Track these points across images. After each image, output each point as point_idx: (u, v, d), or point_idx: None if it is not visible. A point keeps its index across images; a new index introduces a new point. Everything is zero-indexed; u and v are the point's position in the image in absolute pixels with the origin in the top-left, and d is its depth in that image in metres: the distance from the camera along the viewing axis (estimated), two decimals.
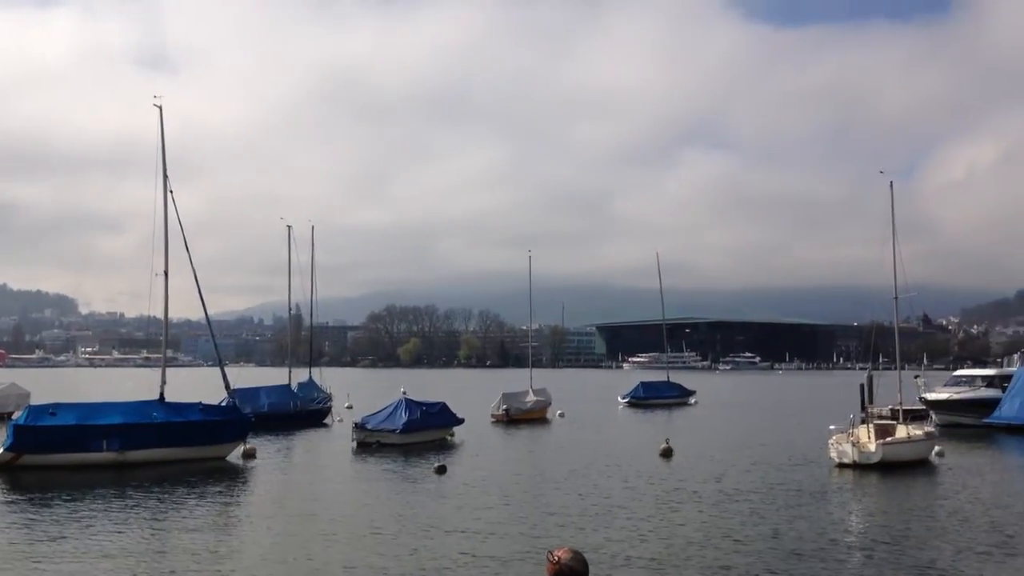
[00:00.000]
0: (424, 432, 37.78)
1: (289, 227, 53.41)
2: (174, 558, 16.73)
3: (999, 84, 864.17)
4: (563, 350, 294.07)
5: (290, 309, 56.64)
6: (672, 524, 20.01)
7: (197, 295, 34.95)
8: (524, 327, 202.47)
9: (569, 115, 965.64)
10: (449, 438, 39.33)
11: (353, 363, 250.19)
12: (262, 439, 37.30)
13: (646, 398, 70.64)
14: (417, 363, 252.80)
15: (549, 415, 55.17)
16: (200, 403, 33.38)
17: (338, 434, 42.32)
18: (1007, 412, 46.49)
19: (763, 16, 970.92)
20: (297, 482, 27.96)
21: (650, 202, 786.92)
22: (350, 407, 54.36)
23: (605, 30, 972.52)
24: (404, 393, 39.57)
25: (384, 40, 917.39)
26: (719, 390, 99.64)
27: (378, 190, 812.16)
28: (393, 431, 36.67)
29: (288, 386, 50.88)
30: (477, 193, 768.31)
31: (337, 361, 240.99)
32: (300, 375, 54.93)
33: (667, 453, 33.73)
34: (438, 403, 41.33)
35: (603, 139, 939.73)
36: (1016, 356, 73.40)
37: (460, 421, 40.99)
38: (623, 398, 71.33)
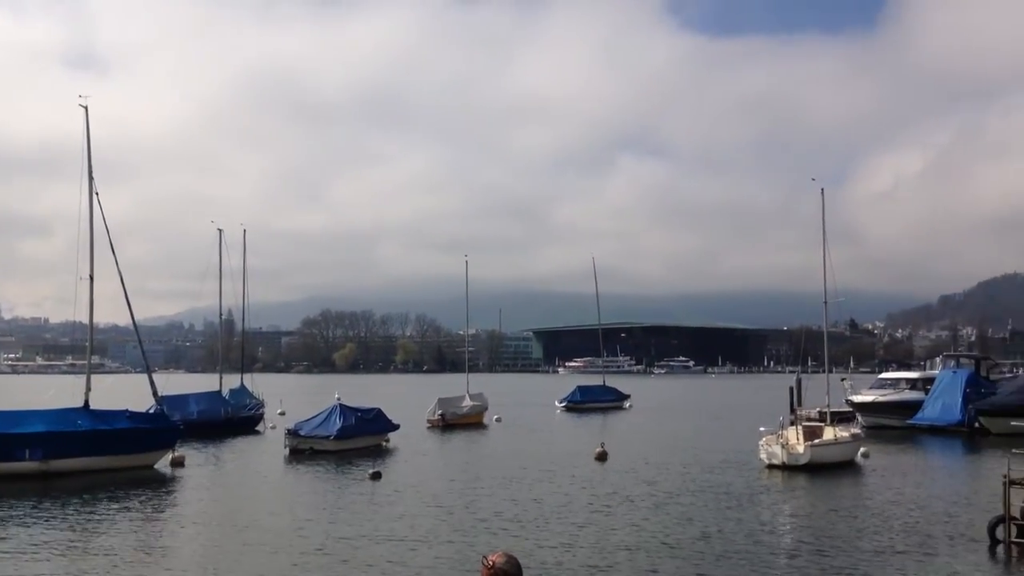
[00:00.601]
0: (359, 438, 37.41)
1: (220, 230, 52.37)
2: (98, 571, 16.24)
3: (923, 97, 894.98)
4: (500, 355, 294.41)
5: (221, 314, 55.54)
6: (605, 528, 20.15)
7: (124, 300, 34.13)
8: (461, 332, 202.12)
9: (508, 120, 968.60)
10: (384, 444, 39.06)
11: (287, 369, 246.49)
12: (191, 447, 36.49)
13: (583, 402, 71.10)
14: (353, 368, 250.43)
15: (486, 420, 55.14)
16: (127, 410, 32.63)
17: (270, 441, 41.65)
18: (929, 414, 48.04)
19: (699, 26, 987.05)
20: (227, 491, 27.40)
21: (588, 208, 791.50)
22: (283, 413, 53.55)
23: (544, 36, 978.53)
24: (338, 399, 39.16)
25: (321, 41, 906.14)
26: (654, 394, 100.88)
27: (314, 193, 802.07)
28: (327, 437, 36.23)
29: (219, 393, 49.90)
30: (415, 197, 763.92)
31: (271, 367, 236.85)
32: (232, 381, 54.00)
33: (602, 457, 34.01)
34: (373, 409, 41.02)
35: (542, 145, 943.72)
36: (938, 359, 75.89)
37: (395, 427, 40.73)
38: (560, 402, 71.70)
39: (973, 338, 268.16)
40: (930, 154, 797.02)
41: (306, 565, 16.65)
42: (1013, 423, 31.14)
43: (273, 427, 46.83)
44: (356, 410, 39.39)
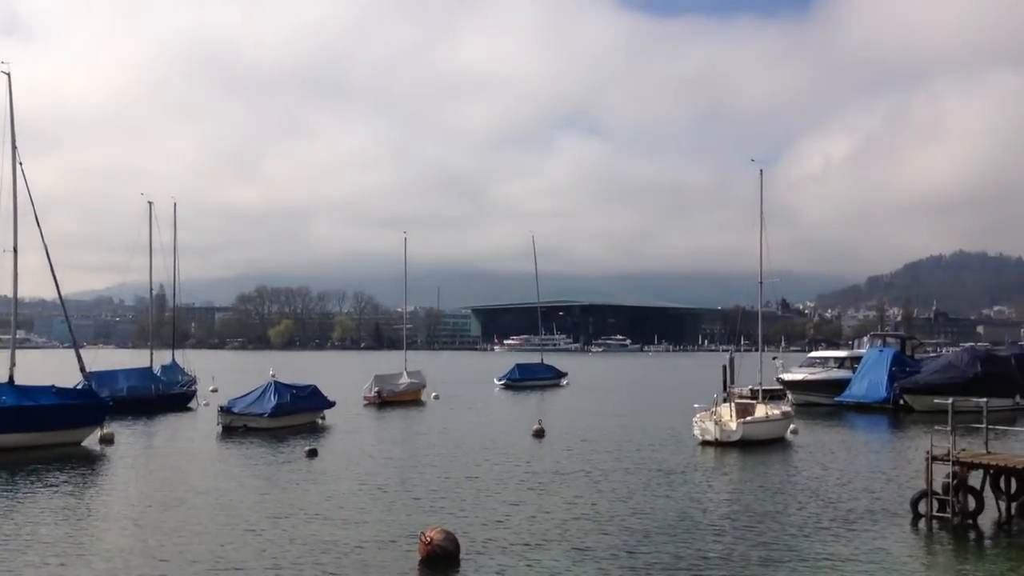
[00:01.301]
0: (294, 415, 37.03)
1: (150, 203, 51.19)
2: (22, 551, 15.76)
3: (852, 81, 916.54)
4: (438, 332, 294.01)
5: (151, 289, 54.19)
6: (539, 506, 20.28)
7: (50, 273, 33.11)
8: (399, 309, 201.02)
9: (448, 96, 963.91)
10: (320, 421, 38.73)
11: (221, 345, 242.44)
12: (121, 424, 35.79)
13: (521, 380, 71.44)
14: (289, 345, 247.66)
15: (424, 397, 55.04)
16: (53, 386, 31.84)
17: (203, 418, 40.94)
18: (856, 391, 49.46)
19: (639, 5, 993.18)
20: (157, 468, 26.81)
21: (527, 186, 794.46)
22: (215, 390, 52.72)
23: (485, 13, 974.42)
24: (273, 376, 38.72)
25: (257, 12, 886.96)
26: (591, 372, 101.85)
27: (250, 167, 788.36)
28: (261, 415, 35.77)
29: (149, 369, 48.87)
30: (353, 173, 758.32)
31: (204, 343, 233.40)
32: (163, 358, 53.02)
33: (539, 434, 34.24)
34: (309, 386, 40.60)
35: (481, 122, 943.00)
36: (866, 339, 78.04)
37: (331, 404, 40.38)
38: (499, 380, 71.93)
39: (899, 318, 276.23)
40: (859, 137, 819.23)
41: (236, 545, 16.38)
42: (935, 401, 32.00)
43: (206, 404, 46.14)
44: (291, 387, 38.94)
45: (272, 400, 36.53)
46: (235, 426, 35.43)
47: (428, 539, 14.88)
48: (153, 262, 51.21)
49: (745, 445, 30.42)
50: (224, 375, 68.10)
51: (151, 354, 50.76)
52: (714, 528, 17.92)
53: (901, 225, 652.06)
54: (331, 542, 16.53)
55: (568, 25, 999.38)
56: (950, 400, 19.27)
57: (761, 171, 38.96)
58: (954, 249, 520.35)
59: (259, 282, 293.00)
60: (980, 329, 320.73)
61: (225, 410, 36.49)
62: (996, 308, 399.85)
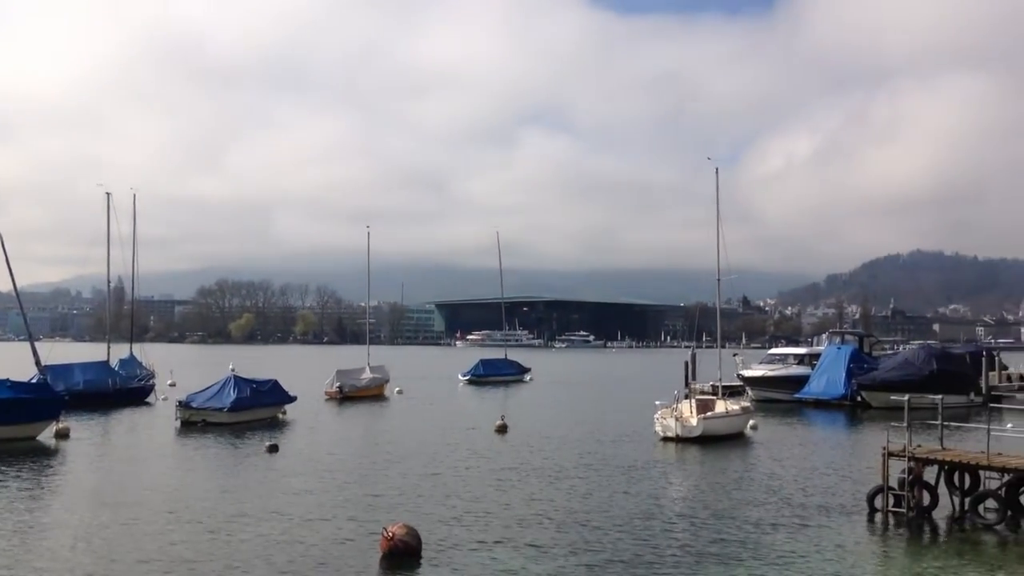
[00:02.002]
0: (254, 410, 36.68)
1: (108, 194, 50.54)
2: None
3: (814, 81, 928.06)
4: (402, 327, 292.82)
5: (109, 282, 53.38)
6: (501, 501, 20.28)
7: (5, 264, 32.48)
8: (362, 304, 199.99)
9: (415, 91, 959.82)
10: (281, 416, 38.41)
11: (181, 339, 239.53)
12: (77, 418, 35.21)
13: (486, 375, 71.45)
14: (250, 339, 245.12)
15: (387, 392, 54.81)
16: (7, 380, 31.29)
17: (161, 413, 40.41)
18: (815, 388, 50.10)
19: (606, 3, 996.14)
20: (113, 464, 26.40)
21: (494, 182, 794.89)
22: (172, 384, 52.08)
23: (453, 7, 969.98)
24: (233, 370, 38.39)
25: (223, 2, 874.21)
26: (555, 368, 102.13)
27: (214, 160, 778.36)
28: (220, 409, 35.37)
29: (106, 363, 48.12)
30: (318, 166, 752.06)
31: (163, 337, 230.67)
32: (121, 351, 52.29)
33: (502, 429, 34.25)
34: (269, 380, 40.24)
35: (449, 116, 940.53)
36: (824, 336, 79.18)
37: (292, 399, 40.07)
38: (463, 375, 71.86)
39: (857, 316, 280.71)
40: (820, 137, 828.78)
41: (191, 543, 16.12)
42: (892, 397, 32.61)
43: (164, 398, 45.59)
44: (251, 381, 38.58)
45: (232, 394, 36.13)
46: (194, 421, 35.01)
47: (390, 534, 14.79)
48: (112, 254, 50.64)
49: (705, 441, 30.68)
50: (183, 369, 67.29)
51: (108, 347, 50.04)
52: (672, 525, 18.03)
53: (860, 224, 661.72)
54: (291, 539, 16.37)
55: (535, 21, 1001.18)
56: (906, 397, 19.61)
57: (717, 169, 39.35)
58: (911, 248, 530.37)
59: (221, 275, 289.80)
60: (936, 327, 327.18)
61: (183, 405, 36.05)
62: (951, 306, 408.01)
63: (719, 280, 39.17)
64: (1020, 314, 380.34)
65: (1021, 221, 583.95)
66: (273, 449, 28.12)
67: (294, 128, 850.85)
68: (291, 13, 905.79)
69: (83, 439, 31.22)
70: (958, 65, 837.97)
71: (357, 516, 18.45)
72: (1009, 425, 27.71)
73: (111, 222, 50.38)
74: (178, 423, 35.10)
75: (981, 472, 18.62)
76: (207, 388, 37.55)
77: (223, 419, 35.02)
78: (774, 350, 65.88)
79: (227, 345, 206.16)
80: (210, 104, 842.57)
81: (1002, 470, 17.99)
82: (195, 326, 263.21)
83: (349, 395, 50.14)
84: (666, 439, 31.47)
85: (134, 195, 54.62)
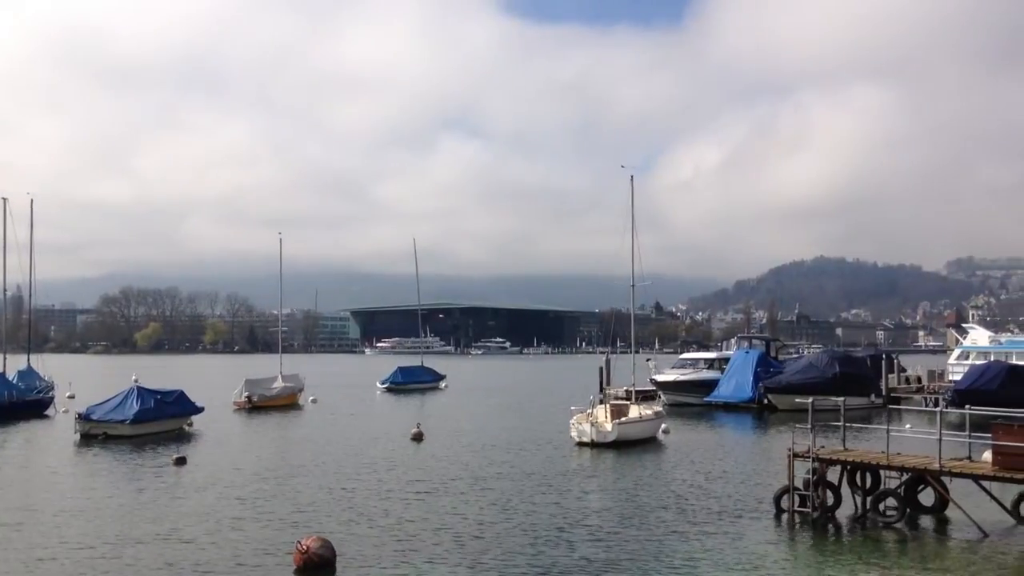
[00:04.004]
0: (158, 422, 35.59)
1: (4, 199, 48.35)
2: None
3: (723, 91, 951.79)
4: (316, 335, 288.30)
5: (4, 290, 51.01)
6: (416, 511, 20.07)
7: None
8: (275, 311, 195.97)
9: (329, 93, 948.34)
10: (187, 428, 37.32)
11: (83, 349, 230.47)
12: None
13: (404, 383, 70.98)
14: (157, 349, 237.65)
15: (302, 401, 53.79)
16: None
17: (60, 427, 38.77)
18: (724, 391, 51.28)
19: (520, 10, 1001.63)
20: (6, 481, 25.11)
21: (410, 188, 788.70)
22: (72, 396, 50.12)
23: (368, 10, 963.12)
24: (136, 381, 37.21)
25: (128, 1, 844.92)
26: (470, 374, 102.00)
27: (120, 162, 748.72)
28: (122, 422, 34.20)
29: (3, 375, 46.07)
30: (230, 170, 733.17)
31: (65, 347, 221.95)
32: (18, 363, 50.17)
33: (418, 438, 33.98)
34: (175, 391, 39.00)
35: (363, 120, 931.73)
36: (733, 341, 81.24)
37: (199, 410, 38.95)
38: (382, 383, 71.16)
39: (764, 320, 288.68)
40: (728, 146, 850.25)
41: (90, 568, 15.32)
42: (797, 400, 33.70)
43: (64, 411, 43.82)
44: (155, 392, 37.36)
45: (134, 406, 34.94)
46: (94, 434, 33.72)
47: (304, 547, 14.47)
48: (8, 261, 48.50)
49: (620, 445, 31.01)
50: (84, 380, 64.81)
51: (4, 359, 47.93)
52: (584, 533, 18.00)
53: (767, 231, 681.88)
54: (199, 558, 15.83)
55: (450, 26, 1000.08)
56: (810, 399, 20.17)
57: (632, 177, 39.93)
58: (815, 255, 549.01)
59: (127, 282, 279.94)
60: (839, 331, 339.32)
61: (83, 417, 34.67)
62: (853, 311, 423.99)
63: (633, 286, 39.75)
64: (917, 318, 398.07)
65: (917, 228, 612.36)
66: (180, 461, 27.29)
67: (205, 131, 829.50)
68: (202, 11, 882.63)
69: None
70: (859, 77, 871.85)
71: (269, 530, 17.99)
72: (907, 426, 28.90)
73: (7, 228, 48.31)
74: (78, 437, 33.74)
75: (882, 471, 19.28)
76: (108, 400, 36.22)
77: (125, 431, 33.85)
78: (685, 355, 67.25)
79: (132, 355, 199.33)
80: (116, 104, 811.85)
81: (901, 469, 18.65)
82: (98, 336, 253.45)
83: (259, 405, 49.01)
84: (581, 444, 31.68)
85: (31, 199, 52.48)
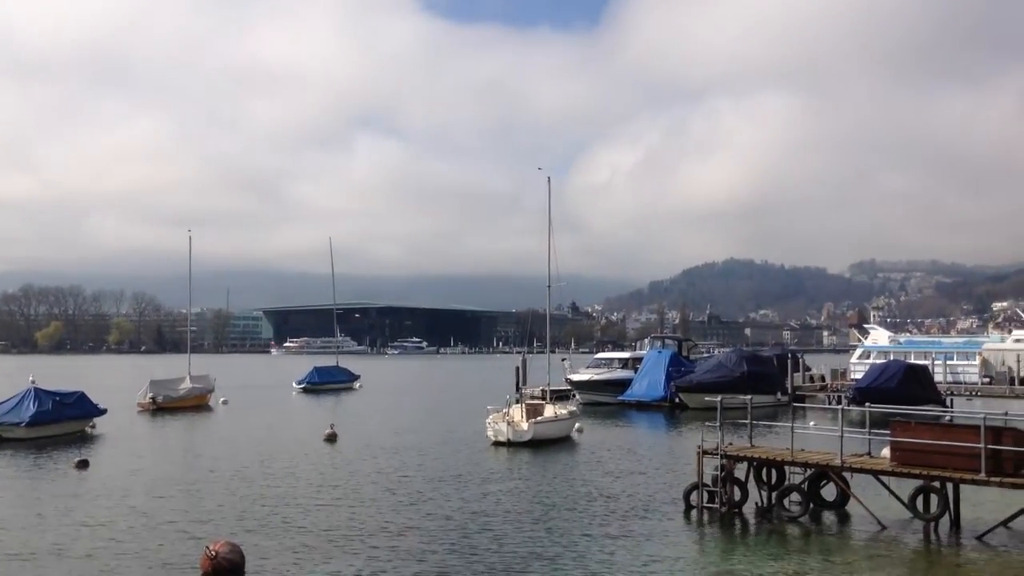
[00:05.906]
0: (57, 424, 34.29)
1: None
2: None
3: (638, 95, 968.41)
4: (227, 335, 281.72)
5: None
6: (327, 514, 19.74)
7: None
8: (184, 310, 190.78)
9: (242, 89, 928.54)
10: (89, 430, 36.02)
11: None
12: None
13: (321, 383, 69.97)
14: (59, 349, 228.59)
15: (211, 402, 52.39)
16: None
17: None
18: (637, 390, 52.06)
19: (440, 9, 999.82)
20: None
21: (326, 186, 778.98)
22: None
23: (284, 6, 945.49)
24: (33, 382, 35.71)
25: None
26: (386, 374, 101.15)
27: (19, 156, 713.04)
28: (18, 424, 32.84)
29: None
30: (138, 165, 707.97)
31: None
32: None
33: (332, 439, 33.47)
34: (75, 392, 37.57)
35: (278, 117, 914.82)
36: (647, 341, 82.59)
37: (102, 411, 37.59)
38: (298, 383, 69.96)
39: (677, 321, 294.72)
40: (642, 149, 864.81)
41: None
42: (706, 398, 34.46)
43: None
44: (54, 394, 35.90)
45: (31, 408, 33.54)
46: None
47: (213, 552, 14.03)
48: None
49: (536, 445, 31.13)
50: None
51: None
52: (495, 535, 17.87)
53: (680, 233, 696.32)
54: (104, 566, 15.22)
55: (368, 23, 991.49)
56: (719, 398, 20.62)
57: (549, 179, 40.24)
58: (726, 256, 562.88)
59: (25, 280, 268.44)
60: (747, 331, 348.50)
61: None
62: (761, 312, 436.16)
63: (549, 287, 40.05)
64: (822, 319, 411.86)
65: (822, 232, 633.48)
66: (83, 465, 26.35)
67: (110, 124, 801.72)
68: (109, 3, 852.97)
69: None
70: (767, 84, 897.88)
71: (176, 536, 17.43)
72: (811, 423, 29.84)
73: None
74: None
75: (786, 467, 19.83)
76: (4, 402, 34.68)
77: (20, 435, 32.51)
78: (600, 354, 68.04)
79: (33, 355, 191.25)
80: (16, 96, 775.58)
81: (805, 465, 19.20)
82: None
83: (164, 406, 47.54)
84: (497, 444, 31.70)
85: None
